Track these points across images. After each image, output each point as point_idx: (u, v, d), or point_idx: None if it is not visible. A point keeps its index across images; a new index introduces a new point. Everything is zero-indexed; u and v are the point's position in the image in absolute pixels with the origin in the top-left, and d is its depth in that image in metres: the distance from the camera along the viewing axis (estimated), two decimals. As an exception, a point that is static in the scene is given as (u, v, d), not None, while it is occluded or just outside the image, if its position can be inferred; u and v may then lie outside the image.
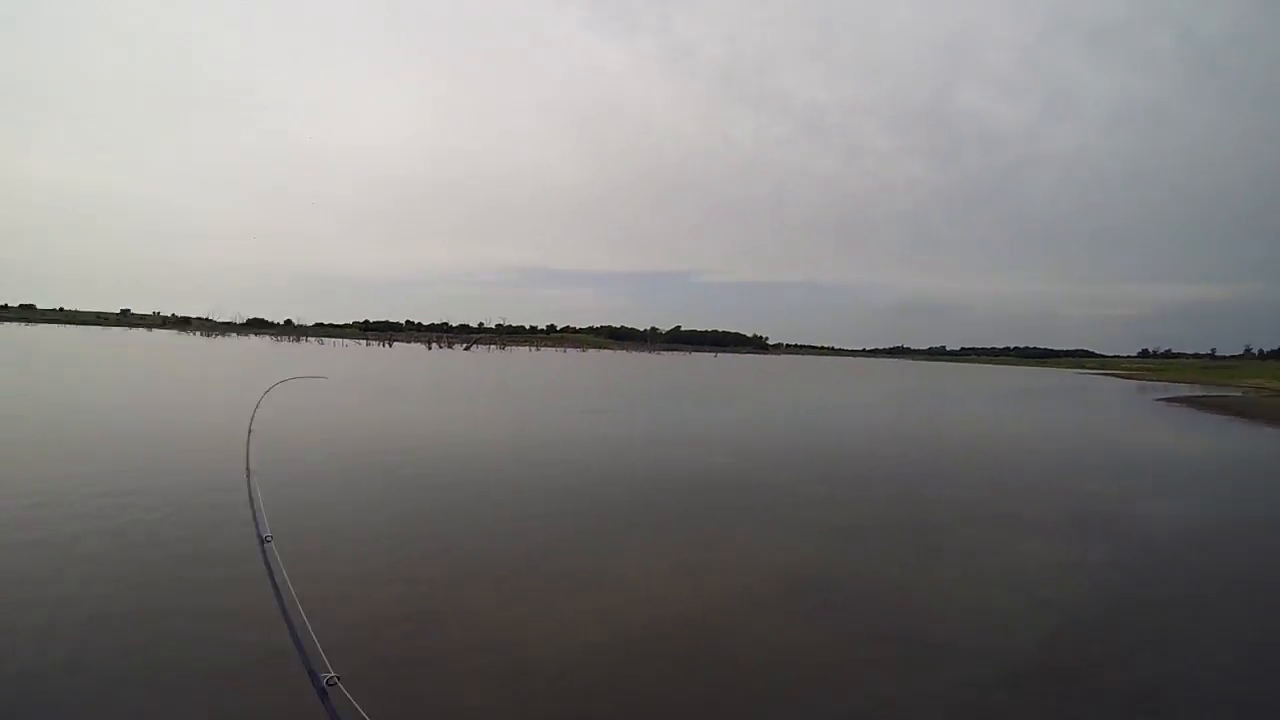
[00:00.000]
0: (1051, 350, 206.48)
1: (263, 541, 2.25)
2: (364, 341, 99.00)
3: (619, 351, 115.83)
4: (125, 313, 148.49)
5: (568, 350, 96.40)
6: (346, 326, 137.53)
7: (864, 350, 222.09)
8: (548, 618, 4.56)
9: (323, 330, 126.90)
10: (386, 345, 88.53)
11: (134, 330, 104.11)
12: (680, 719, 3.45)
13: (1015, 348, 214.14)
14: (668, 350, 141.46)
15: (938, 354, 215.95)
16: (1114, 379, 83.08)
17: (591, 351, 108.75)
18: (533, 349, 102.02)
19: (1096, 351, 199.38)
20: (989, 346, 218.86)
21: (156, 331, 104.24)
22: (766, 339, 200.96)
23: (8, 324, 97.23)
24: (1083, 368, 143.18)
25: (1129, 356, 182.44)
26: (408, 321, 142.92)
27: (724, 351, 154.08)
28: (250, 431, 3.93)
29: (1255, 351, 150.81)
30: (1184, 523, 8.40)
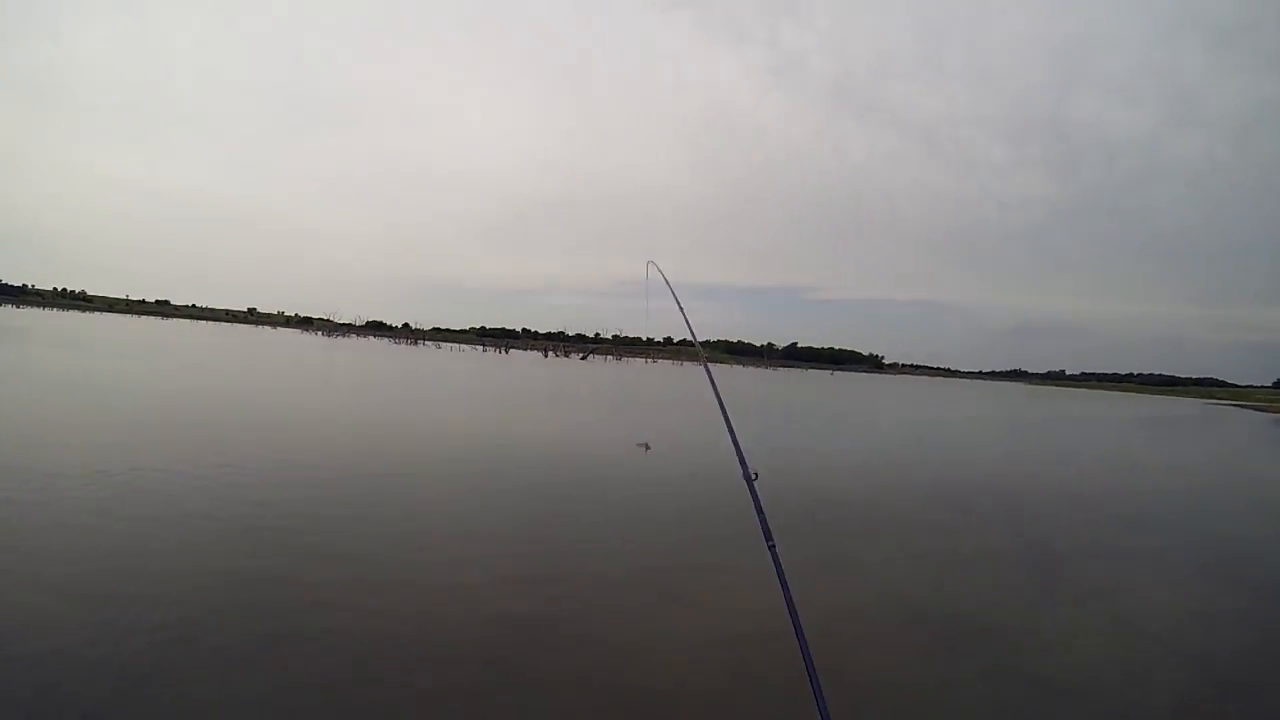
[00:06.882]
0: (1177, 378, 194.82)
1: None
2: (480, 348, 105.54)
3: (735, 366, 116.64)
4: (252, 311, 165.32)
5: (683, 364, 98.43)
6: (463, 332, 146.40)
7: (980, 373, 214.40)
8: (653, 630, 4.95)
9: (440, 335, 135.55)
10: (503, 352, 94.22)
11: (261, 328, 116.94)
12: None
13: (1138, 374, 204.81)
14: (784, 367, 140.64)
15: (1056, 378, 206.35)
16: (1246, 410, 77.75)
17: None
18: (649, 361, 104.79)
19: (1227, 380, 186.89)
20: (1111, 372, 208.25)
21: (281, 330, 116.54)
22: (882, 358, 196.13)
23: (147, 318, 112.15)
24: (1212, 397, 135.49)
25: (1263, 386, 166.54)
26: (524, 329, 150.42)
27: (840, 370, 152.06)
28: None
29: None
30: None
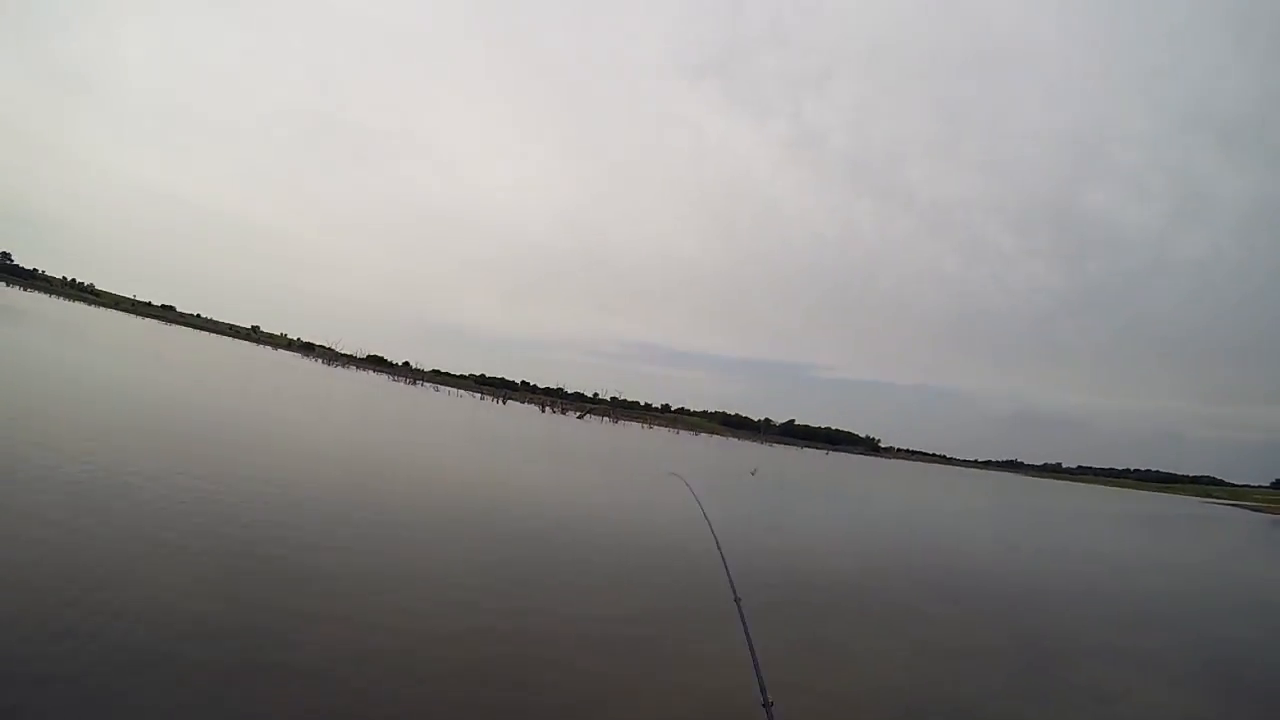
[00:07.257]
0: (1174, 475, 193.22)
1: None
2: (479, 395, 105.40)
3: (730, 439, 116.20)
4: (256, 329, 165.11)
5: (680, 432, 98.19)
6: (462, 377, 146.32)
7: (977, 461, 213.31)
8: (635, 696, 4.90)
9: (439, 377, 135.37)
10: (501, 403, 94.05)
11: (262, 347, 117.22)
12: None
13: (1135, 470, 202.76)
14: (779, 443, 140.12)
15: (1053, 471, 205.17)
16: (1242, 510, 78.27)
17: (703, 436, 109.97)
18: (645, 426, 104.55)
19: (1224, 479, 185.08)
20: (1107, 467, 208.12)
21: (281, 352, 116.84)
22: (879, 441, 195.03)
23: (150, 320, 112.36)
24: (1209, 496, 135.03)
25: (1260, 486, 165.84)
26: (523, 382, 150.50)
27: (836, 450, 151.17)
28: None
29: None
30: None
